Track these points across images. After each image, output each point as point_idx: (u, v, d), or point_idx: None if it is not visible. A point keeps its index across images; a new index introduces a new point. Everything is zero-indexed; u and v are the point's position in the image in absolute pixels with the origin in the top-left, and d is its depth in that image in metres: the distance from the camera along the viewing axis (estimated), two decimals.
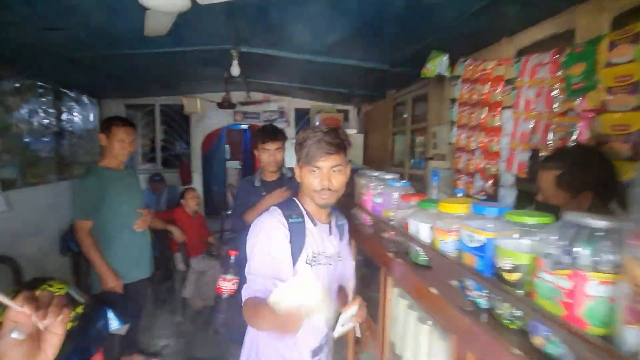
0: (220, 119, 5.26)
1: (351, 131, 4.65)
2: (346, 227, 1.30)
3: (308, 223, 1.14)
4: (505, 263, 0.69)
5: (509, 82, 1.74)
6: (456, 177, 2.06)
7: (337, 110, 5.19)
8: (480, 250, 0.77)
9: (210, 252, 3.52)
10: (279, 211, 1.12)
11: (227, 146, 7.88)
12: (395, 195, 1.32)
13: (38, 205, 3.16)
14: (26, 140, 3.02)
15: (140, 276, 2.33)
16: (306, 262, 1.11)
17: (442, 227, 0.92)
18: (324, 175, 1.06)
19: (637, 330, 0.47)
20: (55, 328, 0.53)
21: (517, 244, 0.70)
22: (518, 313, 0.69)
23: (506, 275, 0.69)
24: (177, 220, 3.23)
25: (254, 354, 1.19)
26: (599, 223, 0.54)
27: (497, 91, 1.77)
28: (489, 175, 1.82)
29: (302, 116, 5.46)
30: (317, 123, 4.79)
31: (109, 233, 2.13)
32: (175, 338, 2.96)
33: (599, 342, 0.51)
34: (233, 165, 8.10)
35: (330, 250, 1.17)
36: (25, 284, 1.61)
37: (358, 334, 1.19)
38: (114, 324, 1.95)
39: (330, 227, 1.20)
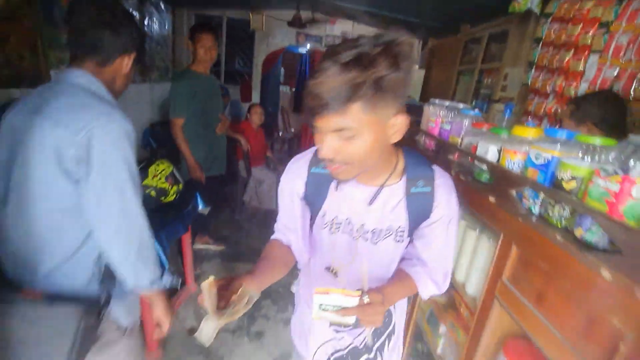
0: (282, 39, 5.29)
1: None
2: (439, 197, 0.83)
3: (334, 180, 0.84)
4: (565, 174, 0.85)
5: (603, 25, 1.68)
6: (523, 119, 2.11)
7: None
8: (545, 166, 0.93)
9: (268, 164, 3.88)
10: (310, 155, 0.88)
11: (282, 69, 7.94)
12: (466, 122, 1.45)
13: (126, 102, 3.57)
14: None
15: (216, 172, 2.71)
16: (323, 227, 0.89)
17: (511, 148, 1.08)
18: (322, 140, 0.67)
19: None
20: None
21: (580, 160, 0.85)
22: (566, 214, 0.87)
23: (564, 184, 0.85)
24: (244, 131, 3.55)
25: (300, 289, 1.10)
26: None
27: (589, 34, 1.73)
28: (558, 119, 1.86)
29: None
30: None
31: (195, 131, 2.46)
32: (236, 231, 3.48)
33: (631, 227, 0.69)
34: (285, 90, 8.22)
35: (374, 223, 0.84)
36: (141, 160, 1.98)
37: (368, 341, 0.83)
38: (199, 205, 2.37)
39: (377, 193, 0.82)
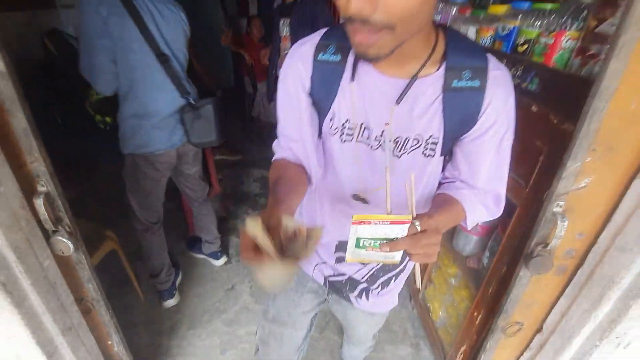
0: None
1: None
2: (493, 95, 0.62)
3: (347, 71, 0.66)
4: (520, 39, 1.04)
5: None
6: None
7: None
8: (508, 36, 1.11)
9: None
10: (317, 39, 0.68)
11: None
12: (454, 9, 1.57)
13: None
14: None
15: (225, 85, 2.89)
16: (331, 134, 0.71)
17: (485, 26, 1.24)
18: None
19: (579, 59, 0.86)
20: None
21: (531, 26, 1.03)
22: (519, 73, 1.08)
23: (519, 48, 1.05)
24: (245, 45, 3.60)
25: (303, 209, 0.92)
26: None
27: None
28: None
29: None
30: None
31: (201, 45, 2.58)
32: (248, 143, 3.76)
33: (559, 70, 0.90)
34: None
35: (398, 129, 0.66)
36: None
37: (417, 284, 0.63)
38: None
39: (408, 87, 0.62)
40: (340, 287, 0.94)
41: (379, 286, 0.91)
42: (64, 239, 0.84)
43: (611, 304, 0.81)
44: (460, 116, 0.63)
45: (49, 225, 0.82)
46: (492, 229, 1.27)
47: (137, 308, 1.79)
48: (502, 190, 0.72)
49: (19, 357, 0.87)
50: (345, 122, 0.69)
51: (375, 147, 0.69)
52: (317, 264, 0.94)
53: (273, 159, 0.78)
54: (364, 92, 0.66)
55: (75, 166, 2.15)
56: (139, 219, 1.65)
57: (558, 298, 0.93)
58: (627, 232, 0.76)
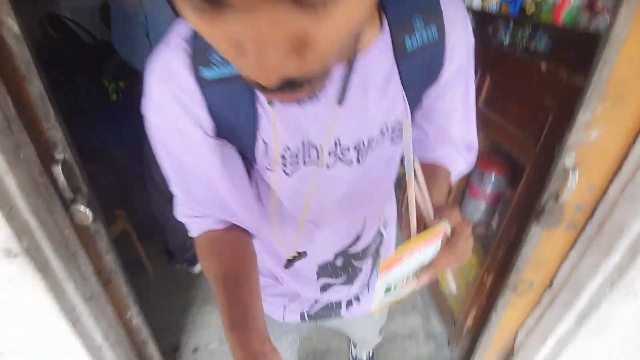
0: None
1: None
2: (454, 40, 0.46)
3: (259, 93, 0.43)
4: (528, 1, 1.05)
5: None
6: None
7: None
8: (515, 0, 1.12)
9: None
10: (184, 45, 0.41)
11: None
12: None
13: None
14: None
15: None
16: (269, 167, 0.50)
17: None
18: (257, 41, 0.22)
19: (587, 15, 0.86)
20: None
21: None
22: (526, 34, 1.08)
23: (527, 9, 1.05)
24: None
25: None
26: None
27: None
28: None
29: None
30: None
31: None
32: None
33: (566, 28, 0.91)
34: None
35: (353, 132, 0.48)
36: None
37: (452, 289, 0.53)
38: None
39: (347, 78, 0.42)
40: (325, 313, 0.78)
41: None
42: (83, 208, 0.85)
43: (620, 253, 0.83)
44: (422, 81, 0.49)
45: (67, 194, 0.84)
46: (500, 196, 1.29)
47: (149, 289, 1.82)
48: (474, 137, 0.62)
49: (44, 324, 0.89)
50: (285, 150, 0.48)
51: (331, 164, 0.50)
52: (285, 305, 0.75)
53: (191, 234, 0.56)
54: (293, 106, 0.44)
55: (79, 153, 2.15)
56: (163, 191, 1.67)
57: (568, 254, 0.95)
58: (636, 181, 0.77)
